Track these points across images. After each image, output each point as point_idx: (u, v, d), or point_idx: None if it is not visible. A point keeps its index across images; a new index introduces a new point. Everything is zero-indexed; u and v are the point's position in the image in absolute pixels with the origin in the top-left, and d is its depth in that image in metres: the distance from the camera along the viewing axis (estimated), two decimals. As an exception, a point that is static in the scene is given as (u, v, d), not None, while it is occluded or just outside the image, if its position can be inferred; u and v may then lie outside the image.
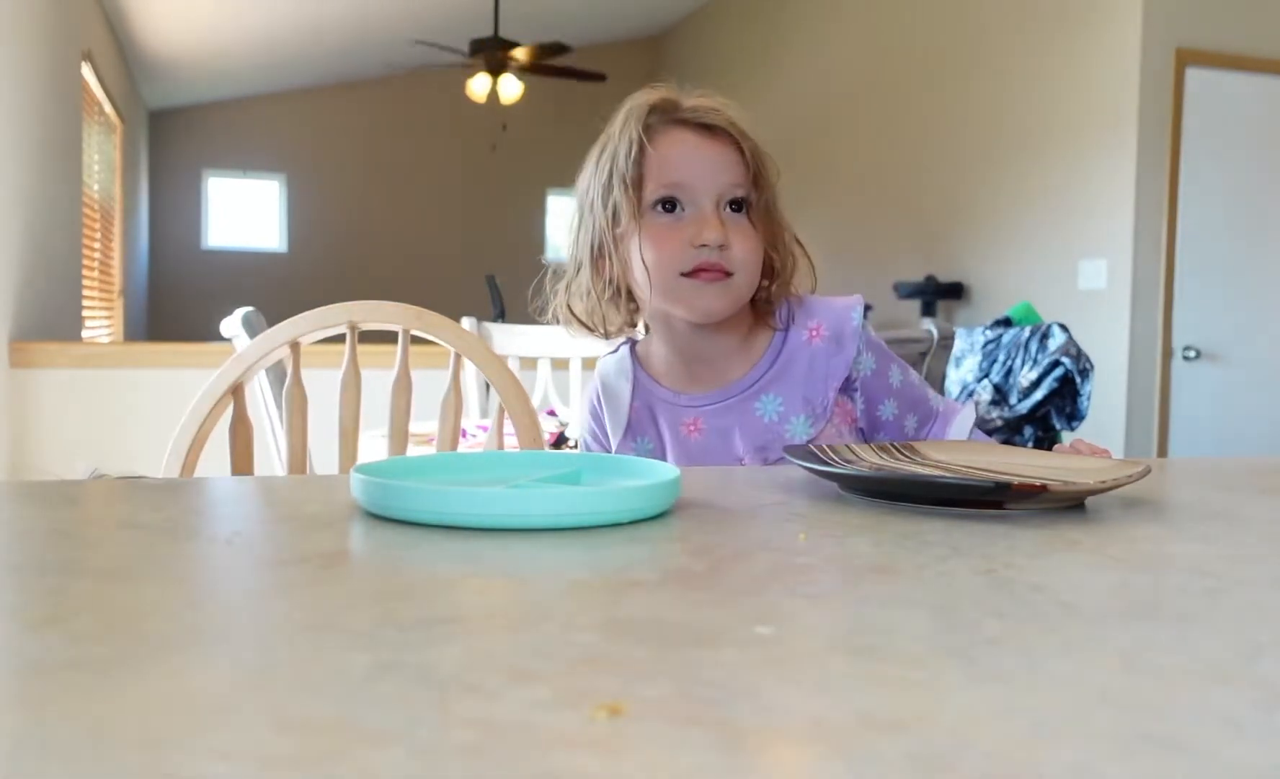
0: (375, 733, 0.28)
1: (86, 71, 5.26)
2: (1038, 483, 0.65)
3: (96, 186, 5.66)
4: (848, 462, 0.78)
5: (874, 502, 0.69)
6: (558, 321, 1.08)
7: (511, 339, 2.79)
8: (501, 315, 6.08)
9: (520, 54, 5.98)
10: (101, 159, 5.84)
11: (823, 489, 0.74)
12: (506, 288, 6.48)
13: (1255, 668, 0.36)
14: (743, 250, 0.99)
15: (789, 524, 0.62)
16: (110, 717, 0.29)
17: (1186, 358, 4.23)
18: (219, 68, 7.79)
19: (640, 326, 1.09)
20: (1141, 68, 4.08)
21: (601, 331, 1.07)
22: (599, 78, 6.61)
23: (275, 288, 8.28)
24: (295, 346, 1.36)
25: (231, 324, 2.25)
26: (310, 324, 1.36)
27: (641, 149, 0.99)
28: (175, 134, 8.65)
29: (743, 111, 1.02)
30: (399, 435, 1.35)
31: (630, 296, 1.06)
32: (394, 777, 0.26)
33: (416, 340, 1.38)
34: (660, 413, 1.05)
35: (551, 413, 2.55)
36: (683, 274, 0.98)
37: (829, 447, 0.83)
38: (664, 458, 1.01)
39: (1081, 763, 0.27)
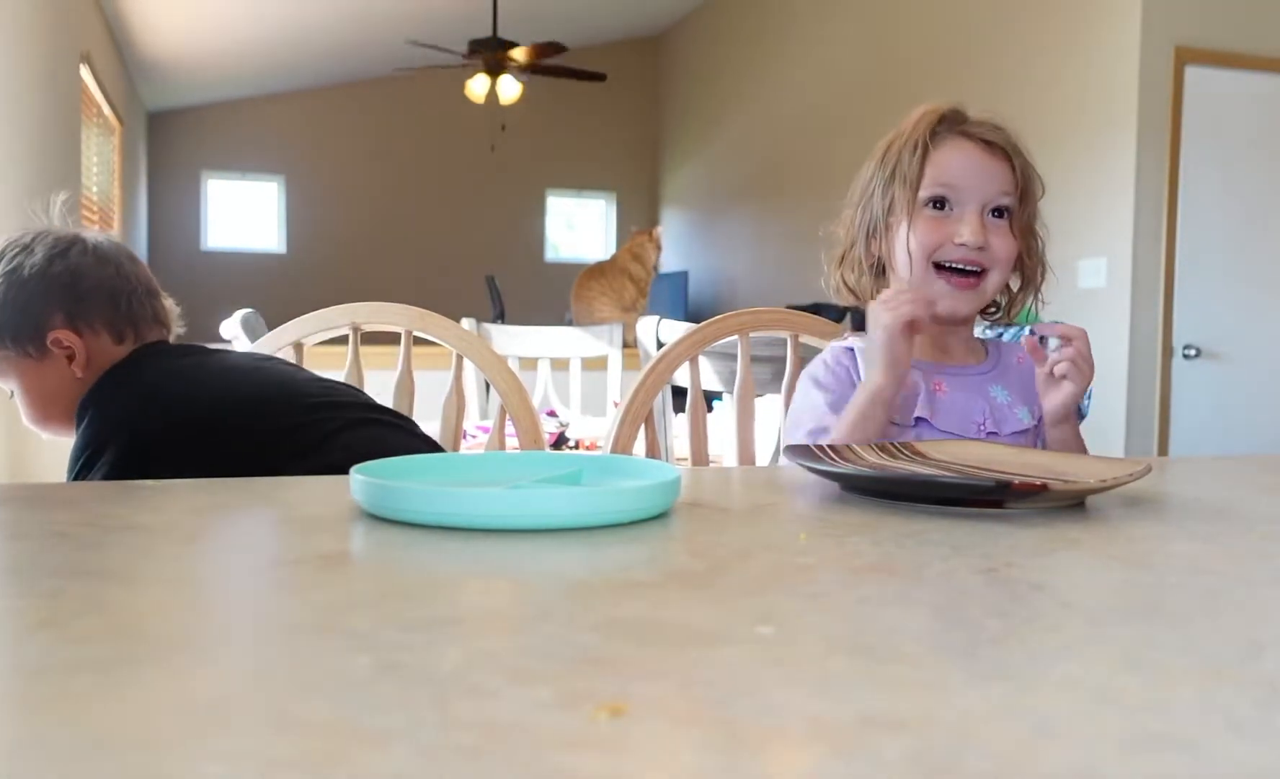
0: (375, 733, 0.28)
1: (85, 73, 5.25)
2: (1038, 482, 0.65)
3: (95, 188, 5.66)
4: (848, 461, 0.78)
5: (874, 501, 0.69)
6: (836, 292, 1.23)
7: (511, 340, 2.79)
8: (501, 316, 6.08)
9: (519, 54, 5.98)
10: (100, 161, 5.84)
11: (823, 489, 0.74)
12: (506, 288, 6.49)
13: (1256, 666, 0.36)
14: (1001, 248, 1.12)
15: (789, 524, 0.62)
16: (109, 719, 0.29)
17: (1187, 356, 4.23)
18: (218, 69, 7.79)
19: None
20: (1141, 66, 4.08)
21: (865, 302, 1.19)
22: (599, 77, 6.60)
23: (274, 289, 8.28)
24: (299, 348, 1.36)
25: (231, 326, 2.25)
26: (314, 325, 1.37)
27: (925, 152, 1.13)
28: (174, 135, 8.65)
29: (1017, 134, 1.18)
30: (399, 436, 1.35)
31: (883, 275, 1.20)
32: (394, 777, 0.26)
33: (417, 341, 1.38)
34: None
35: (551, 413, 2.55)
36: (938, 265, 1.12)
37: (829, 446, 0.84)
38: (915, 410, 1.09)
39: (1082, 763, 0.27)
